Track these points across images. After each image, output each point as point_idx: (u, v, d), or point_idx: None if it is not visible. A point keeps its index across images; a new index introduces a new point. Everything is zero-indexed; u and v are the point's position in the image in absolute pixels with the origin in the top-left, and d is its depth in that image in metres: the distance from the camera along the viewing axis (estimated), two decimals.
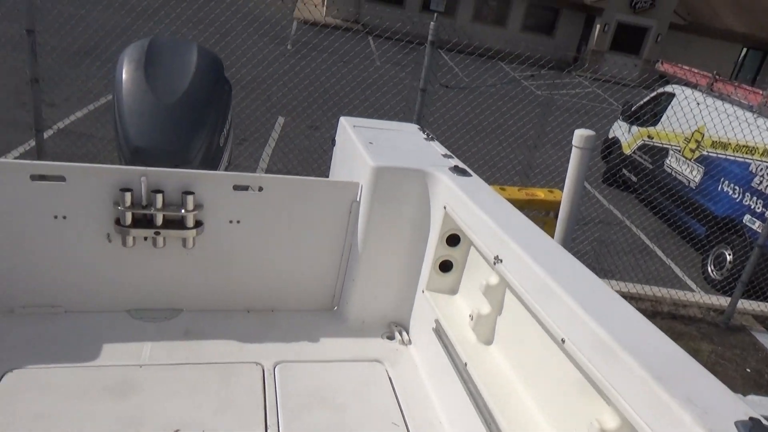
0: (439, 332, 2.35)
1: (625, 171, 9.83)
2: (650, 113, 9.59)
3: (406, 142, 2.85)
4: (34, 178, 2.22)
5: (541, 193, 4.06)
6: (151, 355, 2.30)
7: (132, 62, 2.70)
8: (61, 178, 2.25)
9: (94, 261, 2.42)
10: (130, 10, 10.62)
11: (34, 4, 4.16)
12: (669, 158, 8.82)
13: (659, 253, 7.98)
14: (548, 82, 19.69)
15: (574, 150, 3.21)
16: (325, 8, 24.89)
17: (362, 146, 2.63)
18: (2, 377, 2.06)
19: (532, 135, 10.07)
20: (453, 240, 2.45)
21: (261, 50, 10.75)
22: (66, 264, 2.40)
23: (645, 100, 9.99)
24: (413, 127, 3.18)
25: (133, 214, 2.31)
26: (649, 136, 9.41)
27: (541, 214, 3.98)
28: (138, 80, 2.65)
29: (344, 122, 3.00)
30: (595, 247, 7.08)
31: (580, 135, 3.23)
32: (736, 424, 1.17)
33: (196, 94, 2.72)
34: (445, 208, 2.39)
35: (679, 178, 8.50)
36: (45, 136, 5.39)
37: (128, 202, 2.28)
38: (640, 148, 9.59)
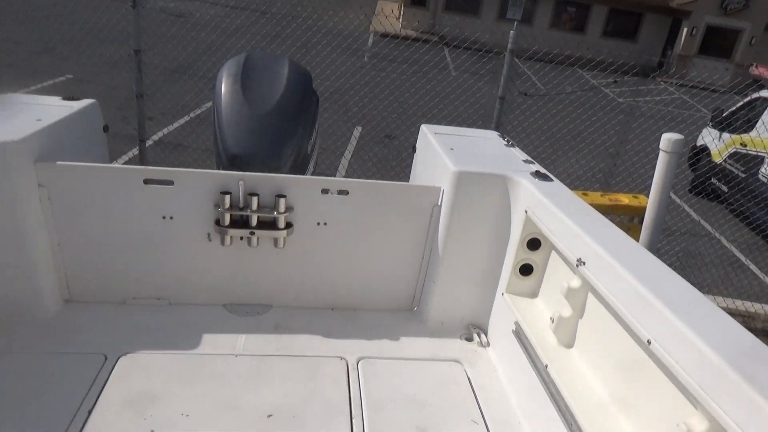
0: (519, 334, 2.38)
1: (714, 180, 9.33)
2: (743, 119, 9.07)
3: (486, 148, 2.91)
4: (146, 182, 2.46)
5: (625, 199, 3.97)
6: (245, 347, 2.47)
7: (230, 76, 2.92)
8: (170, 182, 2.48)
9: (196, 258, 2.64)
10: (219, 29, 11.25)
11: (141, 26, 4.56)
12: (765, 166, 8.30)
13: (753, 267, 7.52)
14: (632, 89, 18.98)
15: (661, 154, 3.16)
16: (401, 20, 25.25)
17: (444, 152, 2.71)
18: (117, 360, 2.29)
19: (614, 143, 9.76)
20: (533, 244, 2.48)
21: (339, 63, 11.09)
22: (171, 261, 2.63)
23: (738, 105, 9.46)
24: (493, 134, 3.23)
25: (231, 215, 2.51)
26: (742, 144, 8.90)
27: (626, 220, 3.89)
28: (235, 92, 2.87)
29: (425, 130, 3.09)
30: (681, 259, 6.78)
31: (667, 139, 3.19)
32: None
33: (287, 105, 2.91)
34: (526, 212, 2.42)
35: None
36: (133, 151, 5.84)
37: (227, 204, 2.48)
38: (731, 156, 9.08)
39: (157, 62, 11.42)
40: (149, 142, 6.96)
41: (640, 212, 3.65)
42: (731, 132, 9.23)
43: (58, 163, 2.38)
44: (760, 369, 1.36)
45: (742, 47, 25.22)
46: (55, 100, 2.85)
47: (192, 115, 9.88)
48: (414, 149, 3.23)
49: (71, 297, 2.63)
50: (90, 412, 2.02)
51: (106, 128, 3.04)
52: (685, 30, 25.20)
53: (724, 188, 9.06)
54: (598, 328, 2.03)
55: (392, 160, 8.56)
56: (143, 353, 2.36)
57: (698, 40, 25.29)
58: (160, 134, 8.66)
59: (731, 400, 1.34)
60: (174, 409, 2.08)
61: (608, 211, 3.68)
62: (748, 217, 8.54)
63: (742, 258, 7.73)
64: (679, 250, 7.02)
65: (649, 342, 1.60)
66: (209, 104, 11.52)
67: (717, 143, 9.50)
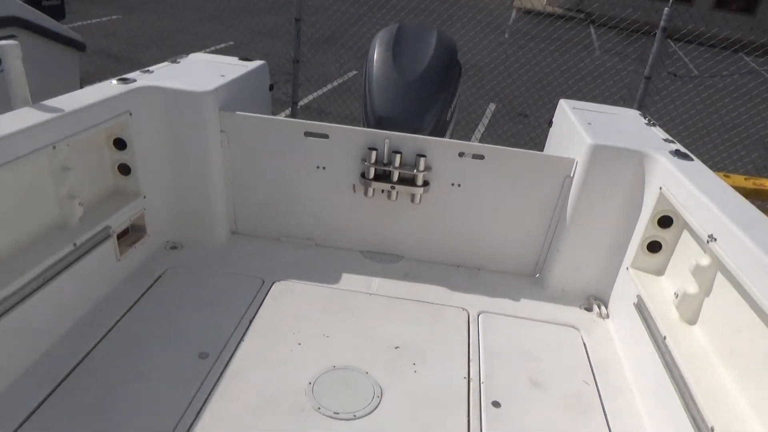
0: (640, 307, 2.43)
1: None
2: None
3: (625, 125, 2.92)
4: (306, 134, 2.81)
5: None
6: (378, 288, 2.77)
7: (383, 44, 3.19)
8: (325, 136, 2.80)
9: (341, 206, 2.96)
10: (367, 3, 11.68)
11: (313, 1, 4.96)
12: None
13: None
14: None
15: None
16: None
17: (581, 125, 2.78)
18: (272, 285, 2.68)
19: None
20: (664, 222, 2.49)
21: (478, 39, 11.05)
22: (320, 206, 2.98)
23: None
24: (634, 113, 3.21)
25: (375, 170, 2.79)
26: None
27: None
28: (386, 59, 3.13)
29: (564, 104, 3.15)
30: None
31: None
32: None
33: (432, 73, 3.12)
34: (660, 189, 2.44)
35: None
36: (286, 111, 6.38)
37: (373, 159, 2.76)
38: None
39: (308, 33, 12.16)
40: (287, 110, 7.55)
41: None
42: None
43: (238, 113, 2.79)
44: None
45: None
46: (234, 60, 3.29)
47: (335, 83, 10.45)
48: (550, 123, 3.31)
49: (237, 229, 3.08)
50: (251, 321, 2.43)
51: (271, 87, 3.46)
52: None
53: None
54: (725, 307, 2.04)
55: (525, 137, 8.50)
56: (293, 281, 2.73)
57: None
58: (306, 100, 9.28)
59: None
60: (317, 330, 2.42)
61: (751, 195, 3.48)
62: None
63: None
64: None
65: None
66: (351, 74, 12.06)
67: None
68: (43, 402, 1.94)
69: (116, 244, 2.56)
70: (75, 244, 2.28)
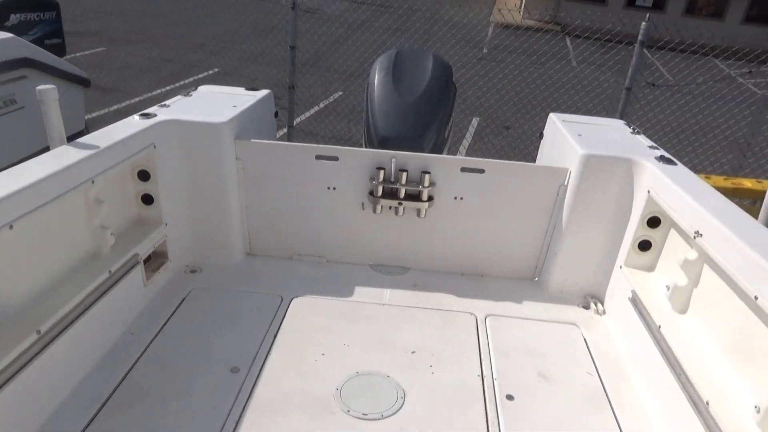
0: (635, 301, 2.63)
1: None
2: None
3: (613, 135, 3.15)
4: (317, 157, 2.99)
5: (748, 183, 3.99)
6: (390, 298, 2.94)
7: (383, 69, 3.40)
8: (335, 158, 2.99)
9: (351, 224, 3.14)
10: (346, 23, 11.98)
11: (297, 26, 5.20)
12: None
13: None
14: None
15: None
16: (522, 10, 24.90)
17: (571, 137, 2.99)
18: (291, 301, 2.85)
19: (745, 134, 9.25)
20: (653, 222, 2.70)
21: (459, 55, 11.36)
22: (331, 225, 3.16)
23: None
24: (620, 123, 3.45)
25: (383, 188, 2.98)
26: None
27: (749, 203, 3.91)
28: (387, 83, 3.34)
29: (553, 117, 3.38)
30: None
31: None
32: None
33: (430, 94, 3.33)
34: (648, 192, 2.66)
35: None
36: (280, 133, 6.57)
37: (381, 178, 2.94)
38: None
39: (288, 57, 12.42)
40: (284, 130, 7.76)
41: (762, 196, 3.68)
42: None
43: (252, 140, 2.97)
44: None
45: None
46: (241, 90, 3.48)
47: (321, 105, 10.68)
48: (541, 135, 3.53)
49: (251, 250, 3.25)
50: (275, 335, 2.58)
51: (276, 114, 3.64)
52: None
53: None
54: (712, 295, 2.25)
55: (509, 150, 8.76)
56: (310, 297, 2.90)
57: None
58: (294, 122, 9.49)
59: None
60: (339, 340, 2.58)
61: (730, 194, 3.74)
62: None
63: None
64: None
65: (756, 298, 1.82)
66: (336, 95, 12.26)
67: None
68: (89, 423, 2.07)
69: (144, 270, 2.71)
70: (110, 272, 2.43)
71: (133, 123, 2.70)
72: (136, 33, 15.47)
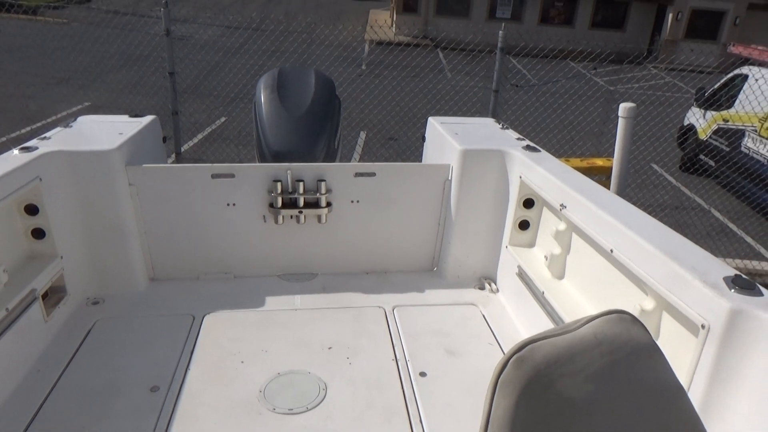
0: (521, 275, 2.96)
1: (702, 156, 9.90)
2: (725, 97, 9.65)
3: (485, 131, 3.50)
4: (213, 176, 3.05)
5: (600, 161, 4.61)
6: (301, 303, 3.06)
7: (267, 87, 3.52)
8: (231, 175, 3.07)
9: (254, 237, 3.22)
10: (222, 49, 11.89)
11: (174, 52, 5.17)
12: (746, 139, 8.87)
13: (734, 228, 8.11)
14: (621, 77, 19.60)
15: (620, 120, 4.05)
16: (394, 28, 25.93)
17: (450, 136, 3.30)
18: (203, 318, 2.88)
19: (598, 123, 10.39)
20: (528, 203, 3.06)
21: (338, 74, 11.66)
22: (234, 241, 3.22)
23: (718, 84, 10.04)
24: (490, 120, 3.82)
25: (282, 199, 3.10)
26: (724, 120, 9.47)
27: (602, 179, 4.51)
28: (273, 100, 3.46)
29: (432, 120, 3.68)
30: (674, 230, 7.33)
31: (624, 107, 4.17)
32: (725, 278, 1.73)
33: (317, 108, 3.50)
34: (520, 177, 3.01)
35: (757, 157, 8.54)
36: (169, 161, 6.47)
37: (279, 190, 3.06)
38: (716, 132, 9.65)
39: (168, 84, 12.08)
40: (172, 157, 7.60)
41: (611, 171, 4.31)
42: (714, 110, 9.80)
43: (144, 165, 2.97)
44: (679, 252, 1.93)
45: (728, 28, 25.79)
46: (125, 118, 3.45)
47: (207, 131, 10.51)
48: (424, 138, 3.82)
49: (155, 275, 3.22)
50: (192, 351, 2.61)
51: (164, 139, 3.64)
52: (671, 15, 25.81)
53: (712, 163, 9.62)
54: (581, 258, 2.61)
55: (397, 158, 9.16)
56: (222, 312, 2.94)
57: (684, 25, 25.88)
58: (181, 149, 9.27)
59: (666, 278, 1.90)
60: (255, 347, 2.66)
61: (586, 172, 4.31)
62: (734, 188, 9.09)
63: (726, 222, 8.30)
64: (672, 222, 7.59)
65: (611, 251, 2.18)
66: (221, 121, 12.09)
67: (702, 121, 10.07)
68: None
69: (42, 305, 2.63)
70: (7, 309, 2.35)
71: (13, 157, 2.62)
72: None
